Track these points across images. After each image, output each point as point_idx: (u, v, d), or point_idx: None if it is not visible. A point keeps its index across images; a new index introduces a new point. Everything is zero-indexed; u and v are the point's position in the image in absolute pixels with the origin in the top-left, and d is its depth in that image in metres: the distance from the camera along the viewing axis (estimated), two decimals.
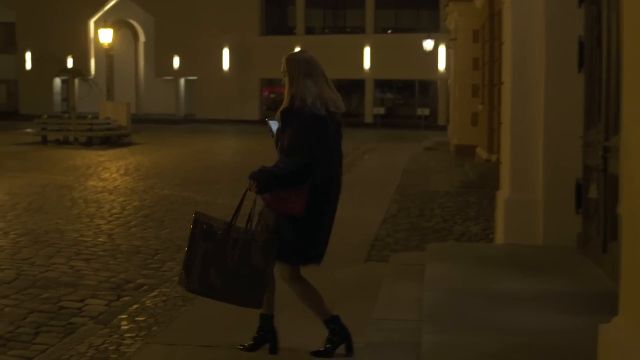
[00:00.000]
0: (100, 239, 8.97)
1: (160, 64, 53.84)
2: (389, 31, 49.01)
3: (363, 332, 4.83)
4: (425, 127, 42.94)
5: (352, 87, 49.74)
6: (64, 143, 26.21)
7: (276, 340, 4.70)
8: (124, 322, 5.60)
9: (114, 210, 11.16)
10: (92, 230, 9.53)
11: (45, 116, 29.08)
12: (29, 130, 30.66)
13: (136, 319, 5.68)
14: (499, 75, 11.55)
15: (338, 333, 4.62)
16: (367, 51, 47.62)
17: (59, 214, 10.71)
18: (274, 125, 4.75)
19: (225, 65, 51.09)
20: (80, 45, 54.70)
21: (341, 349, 4.64)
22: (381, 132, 38.65)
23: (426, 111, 44.98)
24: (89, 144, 25.31)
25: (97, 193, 13.06)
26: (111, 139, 26.75)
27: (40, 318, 5.83)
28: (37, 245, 8.49)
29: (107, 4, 54.53)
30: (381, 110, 47.32)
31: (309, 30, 50.36)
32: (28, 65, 56.13)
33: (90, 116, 28.66)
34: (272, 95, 51.65)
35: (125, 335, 5.30)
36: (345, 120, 4.98)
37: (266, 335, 4.68)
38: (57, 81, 55.01)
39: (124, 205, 11.76)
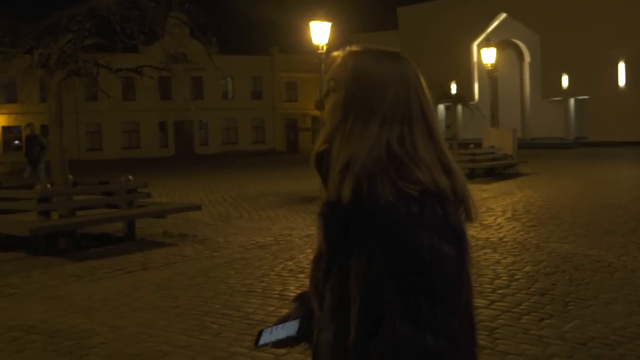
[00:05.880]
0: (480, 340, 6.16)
1: (547, 85, 50.52)
2: None
3: None
4: None
5: None
6: None
7: None
8: None
9: (498, 281, 8.29)
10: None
11: None
12: None
13: None
14: None
15: None
16: None
17: None
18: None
19: (621, 81, 45.78)
20: (463, 70, 53.58)
21: None
22: None
23: None
24: (471, 176, 22.95)
25: (478, 249, 10.22)
26: (496, 170, 24.33)
27: None
28: None
29: (490, 26, 52.61)
30: None
31: None
32: None
33: (472, 145, 26.51)
34: None
35: None
36: None
37: None
38: (441, 108, 54.44)
39: (512, 271, 8.78)
